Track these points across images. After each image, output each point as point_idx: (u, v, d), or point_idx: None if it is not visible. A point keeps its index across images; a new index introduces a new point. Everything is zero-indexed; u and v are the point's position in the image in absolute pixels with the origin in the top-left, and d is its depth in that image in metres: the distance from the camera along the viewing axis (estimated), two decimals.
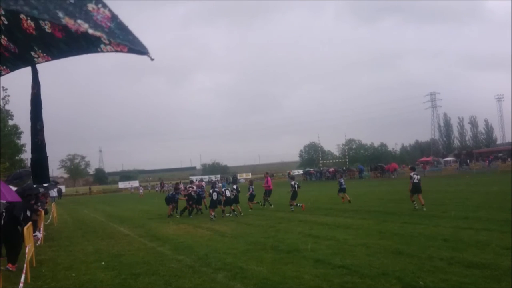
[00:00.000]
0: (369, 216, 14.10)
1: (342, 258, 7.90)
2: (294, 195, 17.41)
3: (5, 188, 7.11)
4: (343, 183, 20.21)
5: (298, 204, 17.25)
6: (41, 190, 21.10)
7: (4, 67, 2.28)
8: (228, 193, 16.93)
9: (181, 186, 24.38)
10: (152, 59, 1.70)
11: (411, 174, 15.84)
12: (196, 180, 29.20)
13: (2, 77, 2.34)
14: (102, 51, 1.80)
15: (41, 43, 1.95)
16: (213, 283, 6.81)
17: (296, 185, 17.74)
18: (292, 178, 19.96)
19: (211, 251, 9.48)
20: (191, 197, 18.16)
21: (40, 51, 2.02)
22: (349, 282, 6.32)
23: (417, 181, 15.34)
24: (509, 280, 5.88)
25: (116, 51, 1.74)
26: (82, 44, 1.82)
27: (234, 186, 17.98)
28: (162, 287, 6.80)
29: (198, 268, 7.93)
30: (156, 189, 63.75)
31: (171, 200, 18.81)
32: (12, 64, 2.23)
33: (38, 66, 2.19)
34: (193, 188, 18.63)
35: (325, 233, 11.09)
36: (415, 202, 15.10)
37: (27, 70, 2.31)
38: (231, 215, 16.89)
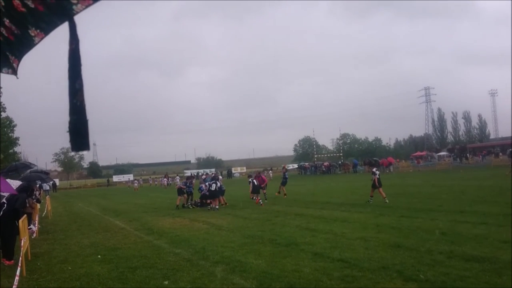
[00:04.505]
0: (366, 210, 14.11)
1: (341, 252, 7.88)
2: (254, 189, 18.63)
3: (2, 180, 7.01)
4: (285, 177, 22.15)
5: (254, 198, 18.45)
6: (38, 183, 21.00)
7: (11, 55, 2.18)
8: (214, 186, 17.46)
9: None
10: None
11: (374, 170, 16.76)
12: (192, 174, 29.25)
13: None
14: (77, 13, 1.75)
15: (32, 19, 1.88)
16: (212, 276, 6.74)
17: (253, 181, 18.82)
18: (250, 176, 21.04)
19: (209, 245, 9.42)
20: (205, 196, 18.53)
21: (34, 28, 1.94)
22: (349, 276, 6.29)
23: (378, 176, 16.36)
24: (509, 274, 5.87)
25: (87, 6, 1.69)
26: (58, 12, 1.79)
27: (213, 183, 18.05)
28: (160, 280, 6.73)
29: (196, 261, 7.87)
30: (159, 181, 56.10)
31: (183, 192, 19.44)
32: (17, 51, 2.13)
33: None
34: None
35: (322, 227, 11.07)
36: (373, 197, 16.15)
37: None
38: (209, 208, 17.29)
